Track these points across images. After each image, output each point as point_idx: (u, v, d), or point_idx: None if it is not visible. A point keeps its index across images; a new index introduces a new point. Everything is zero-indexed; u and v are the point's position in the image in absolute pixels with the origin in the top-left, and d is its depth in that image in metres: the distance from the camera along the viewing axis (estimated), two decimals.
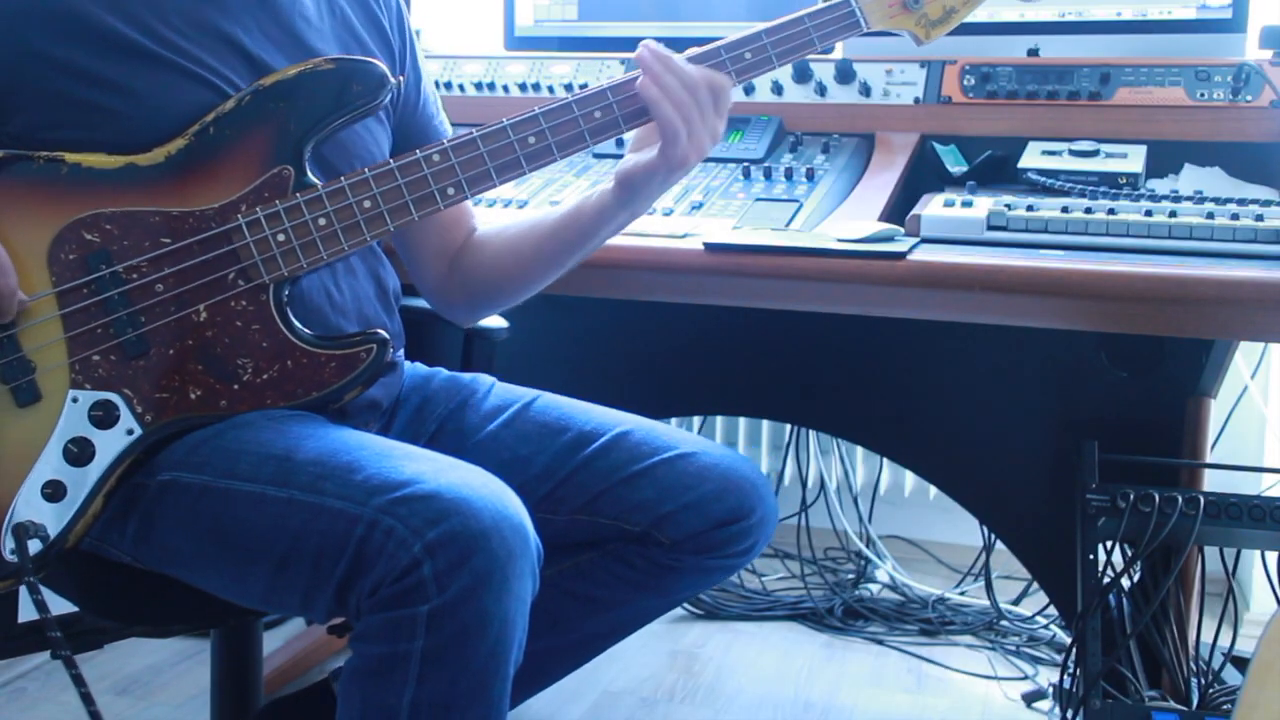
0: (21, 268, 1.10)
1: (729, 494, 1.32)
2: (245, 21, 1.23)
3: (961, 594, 2.45)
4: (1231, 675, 1.70)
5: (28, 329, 1.11)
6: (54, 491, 1.10)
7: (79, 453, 1.11)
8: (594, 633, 1.39)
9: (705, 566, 1.34)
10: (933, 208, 1.46)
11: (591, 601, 1.35)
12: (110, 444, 1.12)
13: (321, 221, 1.16)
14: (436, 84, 1.72)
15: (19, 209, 1.12)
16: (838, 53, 1.89)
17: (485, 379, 1.45)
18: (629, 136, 1.27)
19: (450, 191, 1.20)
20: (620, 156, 1.75)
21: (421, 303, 1.56)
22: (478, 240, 1.41)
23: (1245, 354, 2.04)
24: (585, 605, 1.35)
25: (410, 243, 1.41)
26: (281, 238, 1.15)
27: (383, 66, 1.19)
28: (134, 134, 1.15)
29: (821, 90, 1.81)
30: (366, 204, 1.17)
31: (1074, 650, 1.62)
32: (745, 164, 1.69)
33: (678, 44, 1.24)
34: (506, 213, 1.60)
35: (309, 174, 1.17)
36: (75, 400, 1.11)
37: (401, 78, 1.23)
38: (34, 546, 1.08)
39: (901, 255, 1.35)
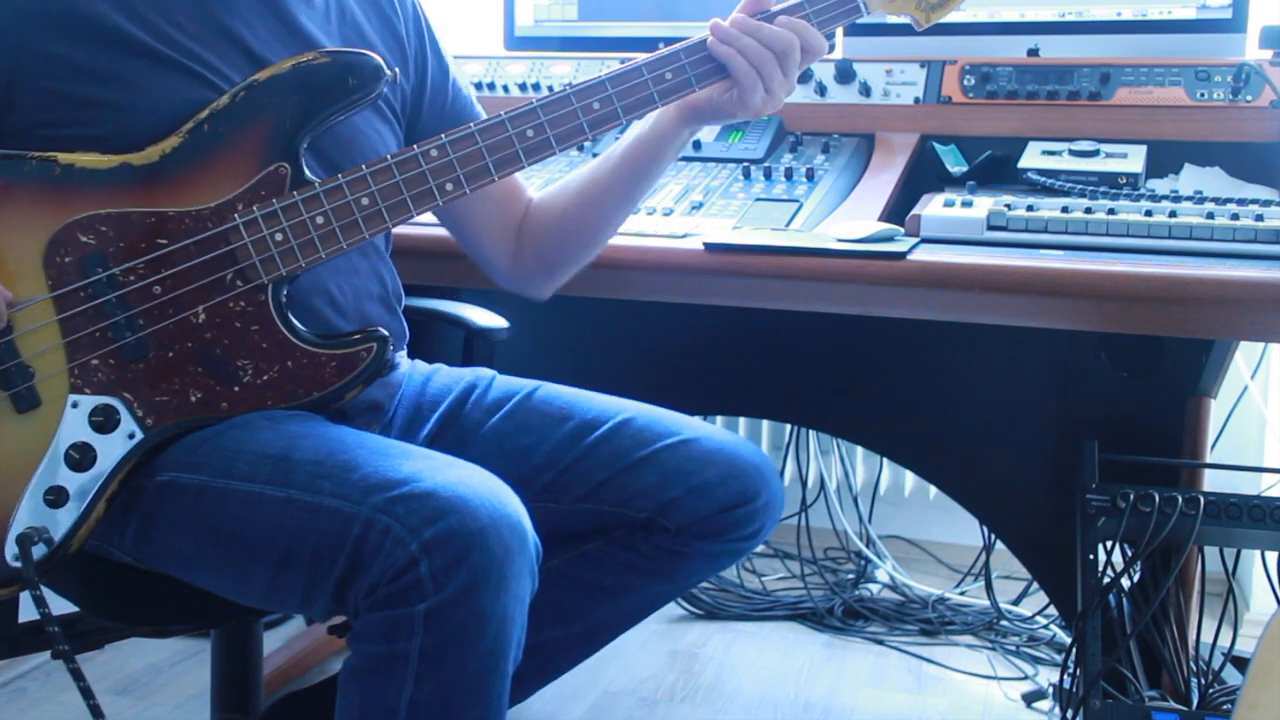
0: (18, 271, 1.10)
1: (733, 478, 1.32)
2: (251, 20, 1.22)
3: (961, 594, 2.44)
4: (1231, 675, 1.70)
5: (25, 334, 1.10)
6: (56, 498, 1.10)
7: (80, 458, 1.11)
8: (603, 621, 1.40)
9: (711, 551, 1.35)
10: (933, 208, 1.46)
11: (599, 590, 1.36)
12: (112, 448, 1.12)
13: (319, 220, 1.15)
14: None
15: (13, 211, 1.11)
16: (838, 52, 1.89)
17: (486, 373, 1.44)
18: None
19: (449, 187, 1.19)
20: None
21: (422, 302, 1.57)
22: (539, 205, 1.42)
23: (1245, 354, 2.03)
24: (593, 594, 1.36)
25: (472, 230, 1.41)
26: (279, 237, 1.15)
27: (377, 58, 1.17)
28: (134, 133, 1.14)
29: (821, 90, 1.81)
30: (364, 201, 1.17)
31: (1074, 650, 1.62)
32: (745, 164, 1.69)
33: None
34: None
35: (305, 170, 1.16)
36: (75, 405, 1.11)
37: (396, 69, 1.21)
38: (38, 552, 1.08)
39: (901, 255, 1.35)
